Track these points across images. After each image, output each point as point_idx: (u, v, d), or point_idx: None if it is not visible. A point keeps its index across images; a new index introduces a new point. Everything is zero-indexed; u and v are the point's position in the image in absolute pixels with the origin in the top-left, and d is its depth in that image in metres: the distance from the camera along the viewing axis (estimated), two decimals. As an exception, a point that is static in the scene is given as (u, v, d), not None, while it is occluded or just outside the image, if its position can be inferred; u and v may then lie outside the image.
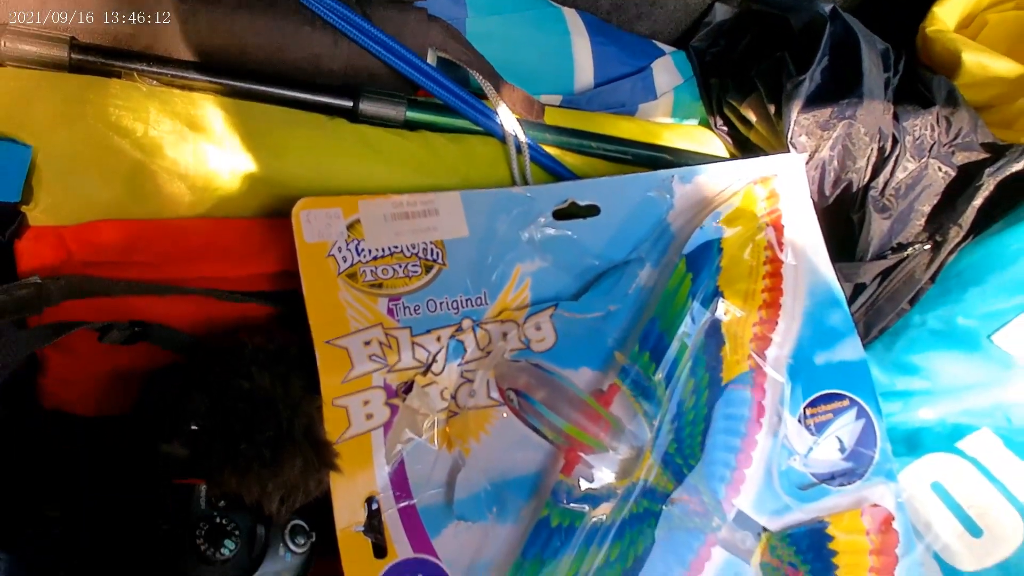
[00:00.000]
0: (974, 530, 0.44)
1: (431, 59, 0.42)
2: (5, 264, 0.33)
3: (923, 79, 0.48)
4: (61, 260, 0.33)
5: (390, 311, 0.36)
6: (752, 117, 0.50)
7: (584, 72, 0.49)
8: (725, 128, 0.53)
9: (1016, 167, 0.41)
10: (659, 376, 0.39)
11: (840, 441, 0.43)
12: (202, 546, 0.31)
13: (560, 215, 0.41)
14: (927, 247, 0.43)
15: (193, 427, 0.31)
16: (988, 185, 0.42)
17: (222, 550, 0.31)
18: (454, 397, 0.37)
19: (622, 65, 0.50)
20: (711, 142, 0.52)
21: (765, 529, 0.40)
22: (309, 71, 0.39)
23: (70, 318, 0.32)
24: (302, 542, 0.33)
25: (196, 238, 0.34)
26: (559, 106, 0.48)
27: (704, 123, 0.54)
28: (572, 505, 0.37)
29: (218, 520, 0.31)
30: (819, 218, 0.45)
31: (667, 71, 0.51)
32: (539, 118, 0.46)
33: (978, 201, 0.42)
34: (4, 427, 0.34)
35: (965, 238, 0.43)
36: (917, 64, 0.51)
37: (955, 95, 0.48)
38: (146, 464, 0.32)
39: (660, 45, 0.53)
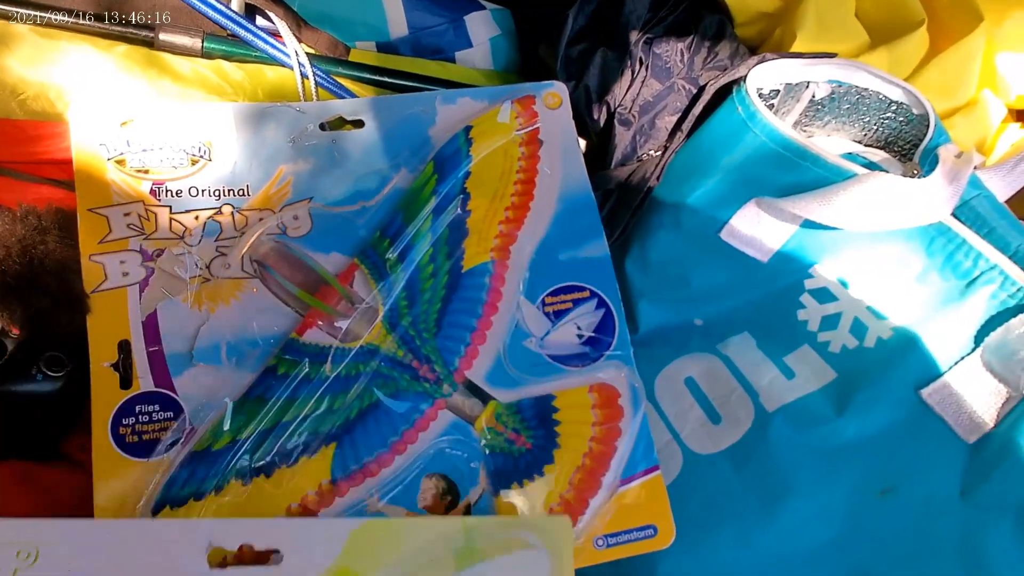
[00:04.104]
0: (715, 418, 0.47)
1: (236, 5, 0.51)
2: None
3: (699, 18, 0.53)
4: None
5: (153, 192, 0.44)
6: (548, 59, 0.56)
7: (397, 23, 0.56)
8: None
9: (727, 79, 0.45)
10: (392, 256, 0.45)
11: (578, 328, 0.47)
12: (-36, 356, 0.39)
13: (329, 129, 0.48)
14: (658, 153, 0.47)
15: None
16: (708, 92, 0.46)
17: (-23, 361, 0.39)
18: (208, 267, 0.44)
19: (433, 16, 0.57)
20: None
21: (493, 399, 0.45)
22: (123, 8, 0.48)
23: None
24: (58, 370, 0.41)
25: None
26: (374, 51, 0.56)
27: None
28: (298, 359, 0.43)
29: (-18, 340, 0.40)
30: (593, 137, 0.51)
31: (483, 23, 0.58)
32: (342, 56, 0.53)
33: (698, 109, 0.46)
34: None
35: (685, 140, 0.47)
36: (705, 6, 0.56)
37: (724, 29, 0.52)
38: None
39: (483, 2, 0.60)
